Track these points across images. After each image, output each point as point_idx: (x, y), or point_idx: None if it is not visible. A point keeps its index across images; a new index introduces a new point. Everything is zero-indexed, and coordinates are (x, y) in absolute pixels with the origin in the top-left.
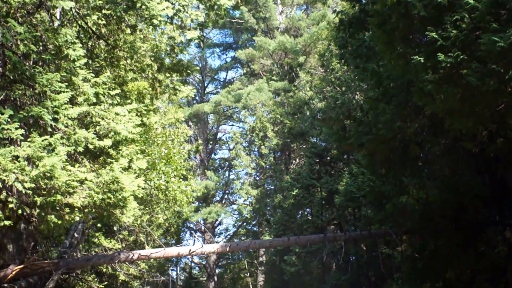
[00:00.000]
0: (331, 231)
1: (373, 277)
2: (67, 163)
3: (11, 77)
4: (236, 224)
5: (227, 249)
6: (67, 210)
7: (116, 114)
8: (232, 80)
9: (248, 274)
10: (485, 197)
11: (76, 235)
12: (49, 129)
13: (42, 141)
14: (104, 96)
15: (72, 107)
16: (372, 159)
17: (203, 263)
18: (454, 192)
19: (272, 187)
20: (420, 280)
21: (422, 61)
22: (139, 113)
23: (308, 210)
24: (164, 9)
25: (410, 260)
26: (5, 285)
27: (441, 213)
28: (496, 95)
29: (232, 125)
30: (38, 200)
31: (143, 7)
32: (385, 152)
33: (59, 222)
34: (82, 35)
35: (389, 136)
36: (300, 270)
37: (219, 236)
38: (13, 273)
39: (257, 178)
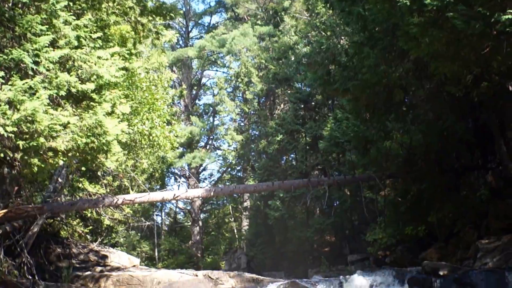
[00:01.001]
0: (315, 176)
1: (356, 221)
2: (50, 107)
3: None
4: (220, 170)
5: (212, 193)
6: (50, 154)
7: (99, 57)
8: (216, 24)
9: (233, 219)
10: (468, 142)
11: (60, 180)
12: (30, 73)
13: (23, 84)
14: (85, 40)
15: (53, 50)
16: (357, 104)
17: (188, 208)
18: (438, 137)
19: (257, 133)
20: (403, 224)
21: (408, 4)
22: (122, 57)
23: (292, 155)
24: None
25: (393, 204)
26: None
27: (424, 157)
28: (482, 38)
29: (217, 70)
30: (21, 144)
31: None
32: (370, 97)
33: (43, 166)
34: None
35: (374, 80)
36: (284, 214)
37: (204, 182)
38: None
39: (242, 124)
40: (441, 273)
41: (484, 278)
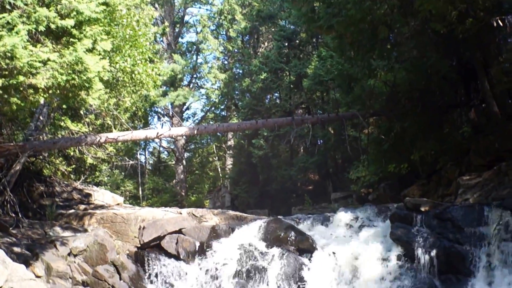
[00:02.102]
0: (299, 115)
1: (339, 159)
2: (29, 43)
3: None
4: (204, 109)
5: (195, 132)
6: (30, 91)
7: None
8: None
9: (217, 158)
10: (452, 79)
11: (41, 118)
12: (8, 7)
13: (1, 19)
14: None
15: None
16: (341, 41)
17: (172, 147)
18: (422, 74)
19: (240, 71)
20: (386, 162)
21: None
22: None
23: (276, 94)
24: None
25: (376, 142)
26: None
27: (408, 95)
28: None
29: (200, 7)
30: (0, 81)
31: None
32: (354, 34)
33: (23, 104)
34: None
35: (358, 17)
36: (268, 153)
37: (187, 121)
38: None
39: (225, 62)
40: (422, 209)
41: (464, 213)
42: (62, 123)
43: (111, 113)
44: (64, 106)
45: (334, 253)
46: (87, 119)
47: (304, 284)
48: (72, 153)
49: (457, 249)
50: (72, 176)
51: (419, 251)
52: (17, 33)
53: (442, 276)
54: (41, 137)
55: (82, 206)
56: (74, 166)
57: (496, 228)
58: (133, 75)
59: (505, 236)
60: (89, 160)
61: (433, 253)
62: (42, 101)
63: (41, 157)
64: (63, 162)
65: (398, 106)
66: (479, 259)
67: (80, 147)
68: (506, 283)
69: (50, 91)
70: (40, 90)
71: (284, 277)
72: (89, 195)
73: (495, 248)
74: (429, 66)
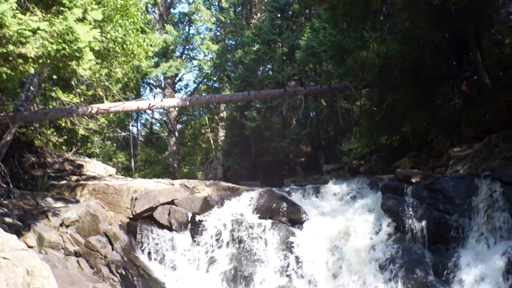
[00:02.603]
0: (292, 87)
1: (332, 131)
2: (18, 11)
3: None
4: (196, 81)
5: (187, 103)
6: (20, 61)
7: None
8: None
9: (209, 130)
10: (444, 51)
11: (32, 88)
12: None
13: None
14: None
15: None
16: (334, 12)
17: (164, 119)
18: (414, 46)
19: (233, 43)
20: (378, 134)
21: None
22: None
23: (269, 65)
24: None
25: (368, 114)
26: None
27: (400, 67)
28: None
29: None
30: None
31: None
32: (347, 5)
33: (13, 73)
34: None
35: None
36: (260, 125)
37: (179, 93)
38: None
39: (218, 33)
40: (413, 180)
41: (454, 184)
42: (53, 94)
43: (102, 84)
44: (54, 77)
45: (325, 223)
46: (78, 90)
47: (296, 254)
48: (63, 124)
49: (447, 220)
50: (63, 147)
51: (409, 222)
52: (6, 0)
53: (432, 246)
54: (31, 107)
55: (74, 177)
56: (65, 137)
57: (486, 199)
58: (125, 45)
59: (494, 206)
60: (81, 131)
61: (423, 223)
62: (32, 71)
63: (32, 127)
64: (55, 133)
65: (390, 78)
66: (468, 229)
67: (71, 118)
68: (495, 252)
69: (40, 61)
70: (30, 59)
71: (276, 247)
72: (81, 166)
73: (484, 219)
74: (422, 37)
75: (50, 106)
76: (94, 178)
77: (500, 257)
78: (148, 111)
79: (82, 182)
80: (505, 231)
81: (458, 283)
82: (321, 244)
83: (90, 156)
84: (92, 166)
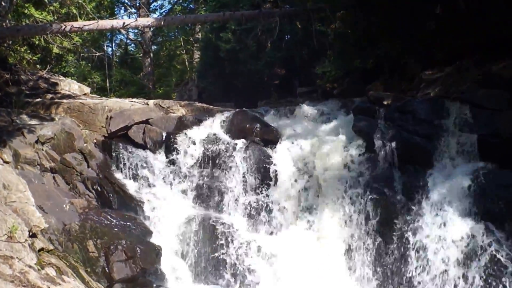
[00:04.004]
0: (267, 9)
1: (306, 55)
2: None
3: None
4: (171, 1)
5: (162, 23)
6: None
7: None
8: None
9: (184, 51)
10: None
11: (3, 3)
12: None
13: None
14: None
15: None
16: None
17: (139, 40)
18: None
19: None
20: (351, 57)
21: None
22: None
23: None
24: None
25: (343, 37)
26: None
27: None
28: None
29: None
30: None
31: None
32: None
33: None
34: None
35: None
36: (235, 47)
37: (154, 13)
38: None
39: None
40: (385, 102)
41: (424, 107)
42: (25, 11)
43: (76, 1)
44: None
45: (297, 144)
46: (51, 8)
47: (268, 173)
48: (37, 42)
49: (417, 141)
50: (37, 65)
51: (380, 143)
52: None
53: (401, 166)
54: (4, 24)
55: (49, 95)
56: (39, 55)
57: (455, 121)
58: None
59: (463, 128)
60: (55, 50)
61: (393, 144)
62: None
63: (5, 44)
64: (28, 51)
65: (366, 0)
66: (437, 150)
67: (45, 36)
68: (462, 173)
69: None
70: None
71: (249, 166)
72: (55, 84)
73: (453, 140)
74: None
75: (23, 23)
76: (69, 96)
77: (467, 177)
78: (123, 32)
79: (57, 100)
80: (472, 152)
81: (425, 202)
82: (293, 163)
83: (65, 75)
84: (67, 85)
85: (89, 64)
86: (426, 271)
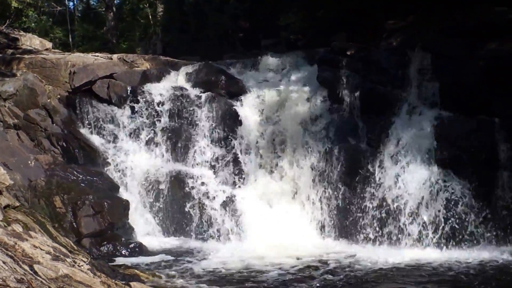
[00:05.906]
0: None
1: (270, 6)
2: None
3: None
4: None
5: None
6: None
7: None
8: None
9: (147, 5)
10: None
11: None
12: None
13: None
14: None
15: None
16: None
17: None
18: None
19: None
20: (315, 8)
21: None
22: None
23: None
24: None
25: None
26: None
27: None
28: None
29: None
30: None
31: None
32: None
33: None
34: None
35: None
36: (199, 0)
37: None
38: None
39: None
40: (348, 52)
41: (387, 56)
42: None
43: None
44: None
45: (262, 95)
46: None
47: (233, 126)
48: None
49: (380, 90)
50: None
51: (344, 92)
52: None
53: (365, 116)
54: None
55: (9, 51)
56: None
57: (418, 70)
58: None
59: (425, 77)
60: (14, 4)
61: (357, 94)
62: None
63: None
64: None
65: None
66: (400, 99)
67: None
68: (424, 120)
69: None
70: None
71: (215, 119)
72: (16, 39)
73: (416, 89)
74: None
75: None
76: (30, 52)
77: (429, 124)
78: None
79: (18, 55)
80: (435, 100)
81: (388, 149)
82: (258, 115)
83: (25, 30)
84: (28, 40)
85: (50, 19)
86: (391, 216)
